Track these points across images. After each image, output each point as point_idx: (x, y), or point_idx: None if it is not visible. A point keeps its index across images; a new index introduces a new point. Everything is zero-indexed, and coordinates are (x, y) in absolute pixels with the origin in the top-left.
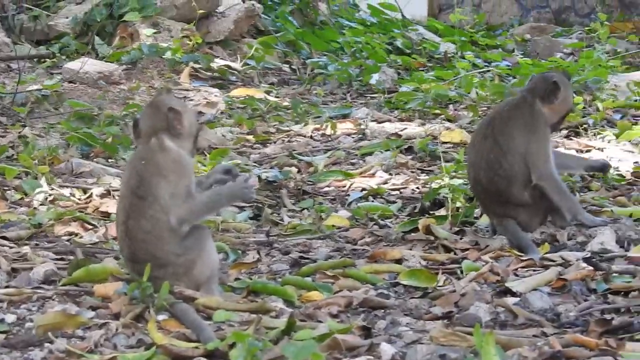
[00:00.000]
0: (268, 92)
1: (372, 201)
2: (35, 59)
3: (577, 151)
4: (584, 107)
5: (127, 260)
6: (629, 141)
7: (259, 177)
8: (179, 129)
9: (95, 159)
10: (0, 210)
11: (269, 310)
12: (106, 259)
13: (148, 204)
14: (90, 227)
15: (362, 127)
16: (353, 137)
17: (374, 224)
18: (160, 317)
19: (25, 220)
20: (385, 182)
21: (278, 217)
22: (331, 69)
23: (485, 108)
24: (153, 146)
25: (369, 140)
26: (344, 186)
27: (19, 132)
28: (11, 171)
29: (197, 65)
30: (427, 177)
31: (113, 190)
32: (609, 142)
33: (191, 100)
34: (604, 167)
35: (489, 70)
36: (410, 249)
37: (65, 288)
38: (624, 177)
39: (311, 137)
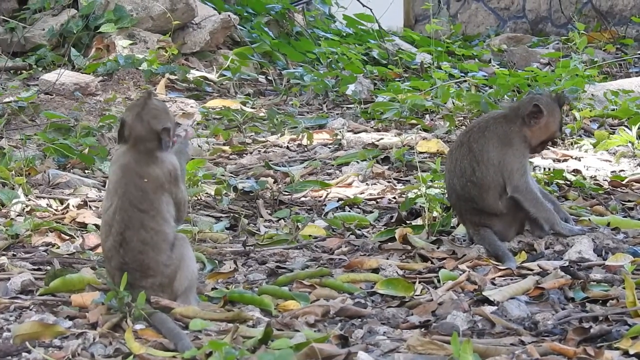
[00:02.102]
0: (244, 103)
1: (349, 211)
2: (11, 71)
3: (554, 160)
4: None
5: (114, 270)
6: (606, 150)
7: (235, 187)
8: (172, 145)
9: (71, 170)
10: None
11: (246, 319)
12: (83, 269)
13: (150, 217)
14: (67, 237)
15: (339, 137)
16: (329, 148)
17: (351, 234)
18: (138, 327)
19: (3, 230)
20: (362, 192)
21: (255, 227)
22: (307, 79)
23: (462, 118)
24: (148, 159)
25: (346, 150)
26: (321, 196)
27: None
28: None
29: (173, 77)
30: (403, 186)
31: (90, 201)
32: (586, 151)
33: None
34: None
35: (465, 81)
36: (387, 259)
37: (42, 298)
38: (602, 186)
39: (287, 147)
